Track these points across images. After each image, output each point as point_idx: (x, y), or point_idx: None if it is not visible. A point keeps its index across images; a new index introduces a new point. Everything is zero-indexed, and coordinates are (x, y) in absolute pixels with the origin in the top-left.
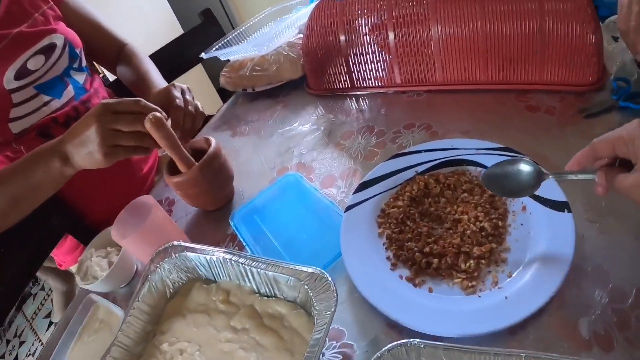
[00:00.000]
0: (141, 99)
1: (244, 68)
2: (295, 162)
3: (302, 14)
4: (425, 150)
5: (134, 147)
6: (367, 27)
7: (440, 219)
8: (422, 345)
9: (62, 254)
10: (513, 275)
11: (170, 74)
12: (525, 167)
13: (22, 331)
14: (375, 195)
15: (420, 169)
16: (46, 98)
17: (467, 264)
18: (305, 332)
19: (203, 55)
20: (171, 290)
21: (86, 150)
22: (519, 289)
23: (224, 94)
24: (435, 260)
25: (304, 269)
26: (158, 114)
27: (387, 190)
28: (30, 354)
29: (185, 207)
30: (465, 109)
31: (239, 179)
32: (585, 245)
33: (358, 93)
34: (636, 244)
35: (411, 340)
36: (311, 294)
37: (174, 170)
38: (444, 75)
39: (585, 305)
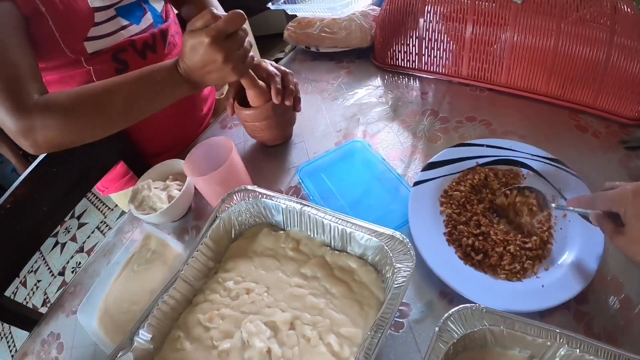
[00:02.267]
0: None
1: (312, 27)
2: (361, 130)
3: None
4: (488, 145)
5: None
6: (446, 16)
7: (495, 210)
8: (483, 310)
9: (107, 180)
10: (549, 269)
11: None
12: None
13: None
14: (439, 177)
15: (481, 161)
16: (124, 22)
17: (512, 266)
18: (374, 287)
19: (270, 5)
20: (236, 232)
21: (216, 76)
22: (553, 281)
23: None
24: (480, 255)
25: (386, 230)
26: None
27: (450, 174)
28: (32, 271)
29: (242, 151)
30: (522, 114)
31: (303, 135)
32: (609, 256)
33: (423, 75)
34: None
35: (476, 304)
36: (391, 255)
37: (243, 104)
38: (509, 79)
39: (600, 307)
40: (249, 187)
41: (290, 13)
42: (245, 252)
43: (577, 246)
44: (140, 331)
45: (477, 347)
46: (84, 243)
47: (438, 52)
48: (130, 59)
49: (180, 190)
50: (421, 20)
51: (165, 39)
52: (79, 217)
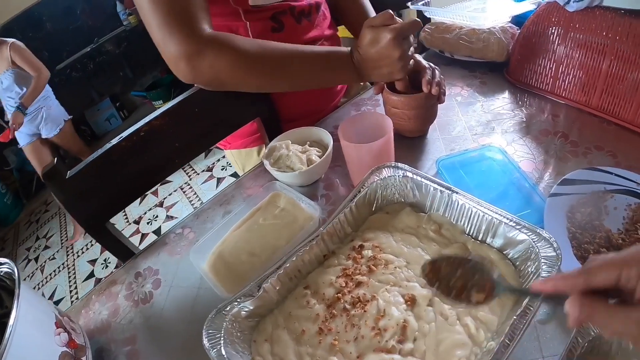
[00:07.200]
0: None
1: (450, 32)
2: (497, 137)
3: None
4: (616, 175)
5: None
6: (586, 46)
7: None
8: None
9: (233, 135)
10: None
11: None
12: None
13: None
14: (570, 194)
15: (608, 187)
16: None
17: None
18: (512, 280)
19: (410, 5)
20: (377, 205)
21: (386, 71)
22: None
23: None
24: None
25: (534, 227)
26: None
27: (579, 193)
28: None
29: None
30: None
31: (439, 132)
32: None
33: (553, 99)
34: None
35: None
36: (538, 251)
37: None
38: (636, 117)
39: None
40: (399, 164)
41: (427, 16)
42: (385, 226)
43: None
44: (270, 280)
45: (602, 353)
46: (164, 199)
47: (573, 78)
48: (286, 21)
49: (320, 157)
50: (562, 47)
51: (318, 10)
52: None
